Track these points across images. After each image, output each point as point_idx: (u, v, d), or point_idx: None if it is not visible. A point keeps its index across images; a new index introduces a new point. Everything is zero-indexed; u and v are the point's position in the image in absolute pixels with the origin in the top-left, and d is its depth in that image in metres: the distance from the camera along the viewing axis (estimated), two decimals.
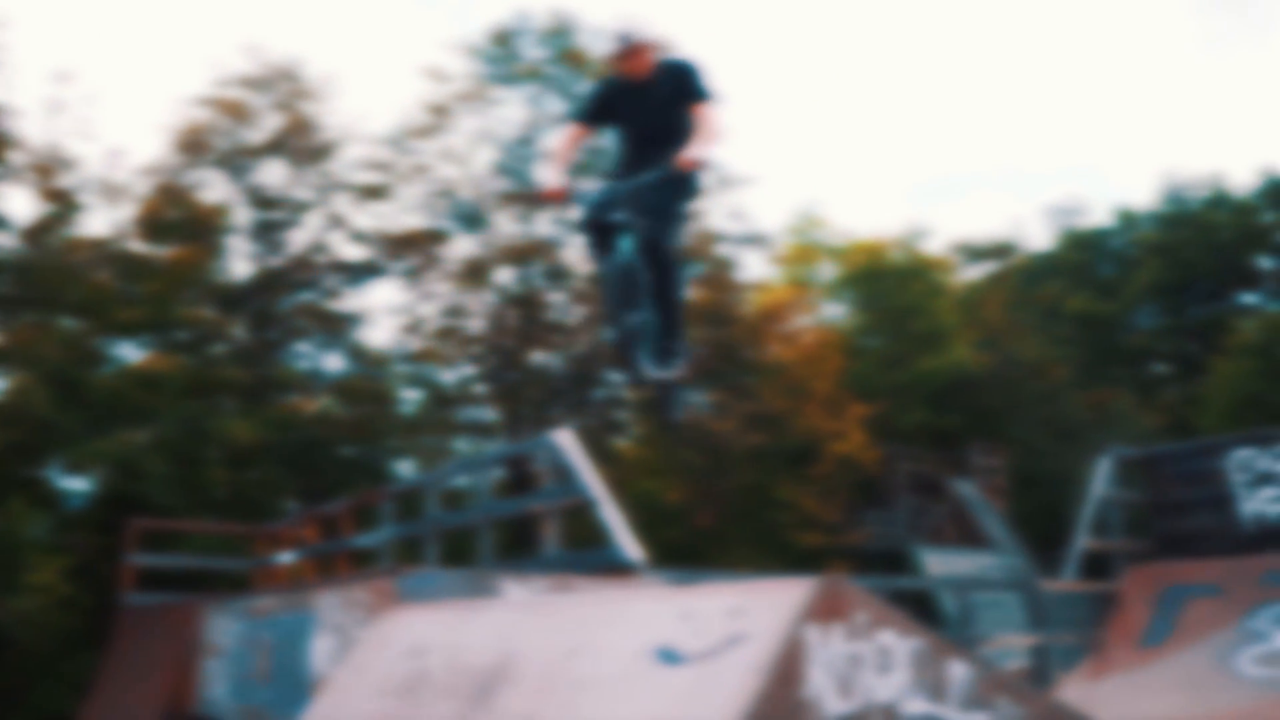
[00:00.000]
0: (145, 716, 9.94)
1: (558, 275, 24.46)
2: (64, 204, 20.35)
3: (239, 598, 9.35)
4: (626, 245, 5.02)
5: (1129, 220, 36.32)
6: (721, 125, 5.14)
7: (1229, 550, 9.62)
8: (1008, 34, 71.63)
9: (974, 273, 37.43)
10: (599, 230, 5.11)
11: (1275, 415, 19.36)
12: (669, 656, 3.48)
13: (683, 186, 5.25)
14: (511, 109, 24.59)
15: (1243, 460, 9.96)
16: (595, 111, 5.43)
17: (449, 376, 24.94)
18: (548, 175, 5.26)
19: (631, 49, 5.15)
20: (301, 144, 23.09)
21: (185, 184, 22.48)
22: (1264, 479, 9.75)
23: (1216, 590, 9.07)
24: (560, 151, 5.44)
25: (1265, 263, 32.87)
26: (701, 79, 5.21)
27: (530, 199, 23.07)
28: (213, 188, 22.97)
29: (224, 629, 9.14)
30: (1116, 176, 65.83)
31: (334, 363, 24.16)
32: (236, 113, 22.83)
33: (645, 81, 5.24)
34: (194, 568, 15.50)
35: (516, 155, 24.70)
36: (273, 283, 23.06)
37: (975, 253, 37.86)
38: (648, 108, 5.26)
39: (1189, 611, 9.11)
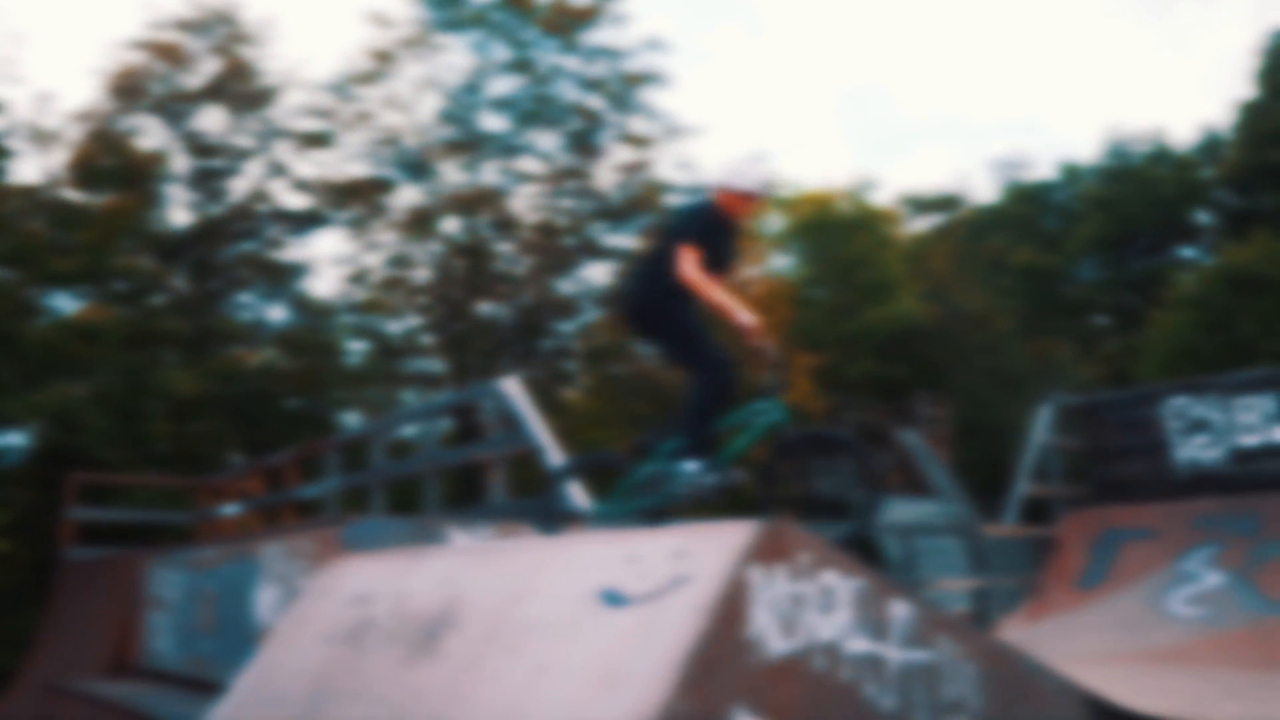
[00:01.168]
0: (89, 670, 9.84)
1: (505, 225, 24.25)
2: None
3: (182, 550, 9.24)
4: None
5: (1073, 174, 36.72)
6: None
7: (1164, 495, 9.85)
8: None
9: (920, 225, 37.72)
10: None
11: (1210, 365, 19.78)
12: (614, 599, 3.49)
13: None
14: (456, 55, 24.20)
15: (1178, 408, 10.17)
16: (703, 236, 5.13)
17: (395, 327, 24.71)
18: (744, 314, 5.10)
19: (759, 201, 5.17)
20: (240, 90, 22.55)
21: (119, 130, 21.88)
22: (1198, 426, 9.97)
23: (1151, 534, 9.30)
24: (714, 282, 5.11)
25: (1203, 217, 33.43)
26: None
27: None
28: (149, 134, 22.39)
29: (167, 581, 9.05)
30: (1062, 131, 66.43)
31: (277, 314, 23.84)
32: (172, 56, 22.20)
33: (732, 229, 5.20)
34: (136, 521, 15.31)
35: (462, 102, 24.33)
36: (213, 232, 22.60)
37: (922, 205, 38.13)
38: (724, 253, 5.19)
39: (1124, 554, 9.34)
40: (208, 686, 7.26)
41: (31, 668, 11.89)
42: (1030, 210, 36.57)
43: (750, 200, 5.10)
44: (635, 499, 5.17)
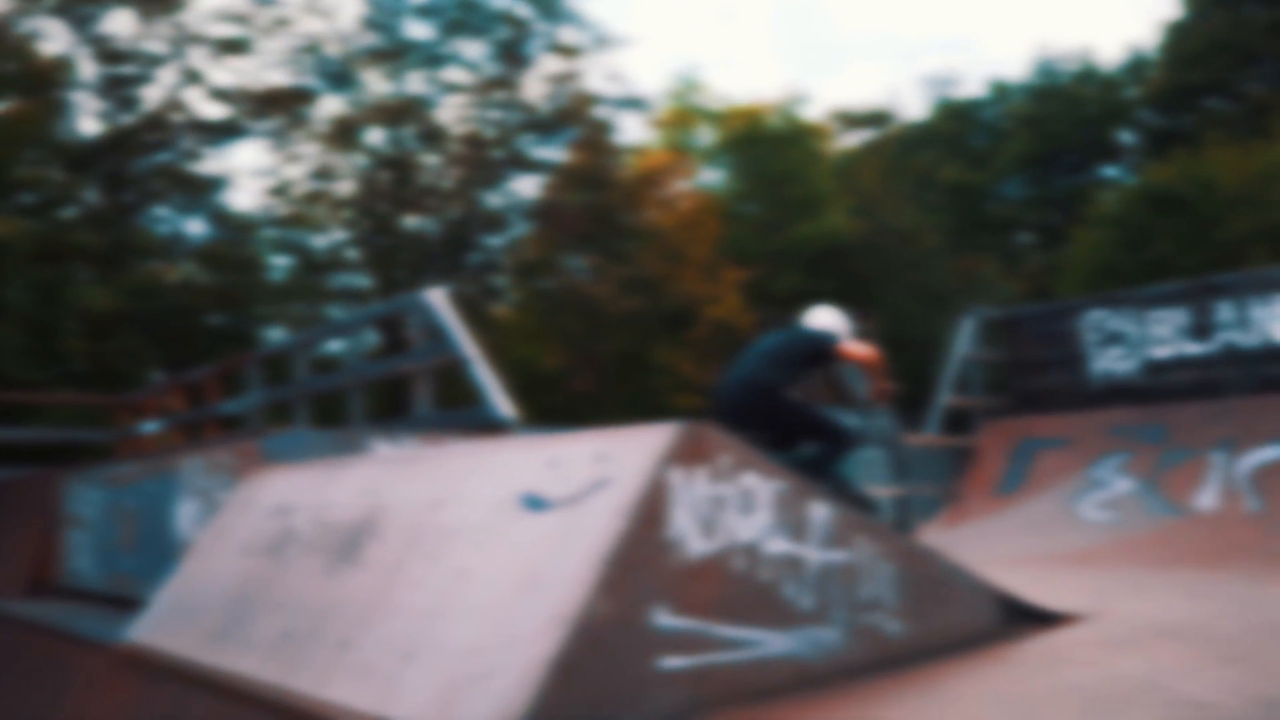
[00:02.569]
0: (7, 591, 9.66)
1: (431, 137, 23.74)
2: None
3: (99, 467, 9.05)
4: None
5: (1001, 92, 36.92)
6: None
7: (1079, 406, 10.13)
8: None
9: (850, 140, 37.76)
10: None
11: (1129, 283, 20.22)
12: (535, 503, 3.48)
13: None
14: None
15: (1095, 321, 10.41)
16: None
17: (319, 242, 24.21)
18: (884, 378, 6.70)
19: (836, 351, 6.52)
20: None
21: (19, 34, 20.81)
22: (1113, 339, 10.22)
23: (1066, 443, 9.57)
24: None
25: (1127, 137, 33.93)
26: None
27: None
28: (52, 39, 21.37)
29: (85, 499, 8.87)
30: (992, 49, 66.54)
31: (196, 228, 23.19)
32: None
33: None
34: (53, 440, 14.97)
35: (386, 9, 23.59)
36: (125, 143, 21.78)
37: (852, 120, 38.12)
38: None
39: (1040, 462, 9.61)
40: (129, 603, 7.17)
41: None
42: (959, 128, 36.79)
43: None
44: None
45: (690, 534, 3.28)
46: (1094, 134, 33.48)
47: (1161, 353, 9.85)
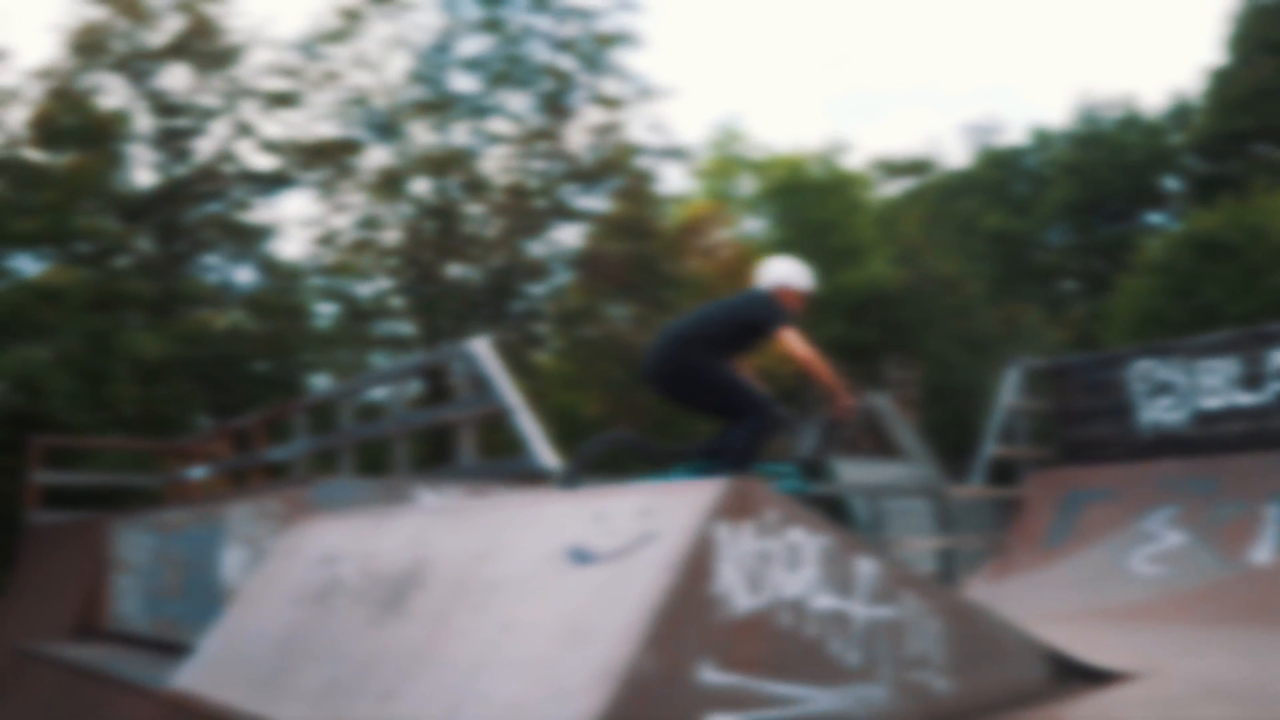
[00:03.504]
0: (56, 633, 9.79)
1: (475, 187, 24.05)
2: None
3: (148, 513, 9.17)
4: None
5: (1044, 139, 36.84)
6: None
7: (1127, 457, 9.99)
8: None
9: (892, 189, 37.80)
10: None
11: (1176, 330, 19.98)
12: (581, 556, 3.49)
13: None
14: (425, 14, 23.90)
15: (1142, 371, 10.29)
16: None
17: (364, 290, 24.52)
18: (845, 393, 5.79)
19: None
20: (205, 47, 22.12)
21: (81, 88, 21.43)
22: (1162, 389, 10.09)
23: (1114, 495, 9.43)
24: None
25: (1171, 183, 33.67)
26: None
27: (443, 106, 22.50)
28: (111, 93, 21.96)
29: (134, 544, 8.98)
30: (1033, 96, 66.53)
31: (245, 276, 23.57)
32: (134, 12, 21.72)
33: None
34: (103, 485, 15.18)
35: (432, 62, 24.05)
36: (179, 193, 22.27)
37: (893, 169, 38.18)
38: None
39: (1088, 515, 9.47)
40: (176, 649, 7.23)
41: None
42: (1001, 175, 36.72)
43: (807, 300, 5.93)
44: None
45: (737, 589, 3.28)
46: (1138, 180, 33.27)
47: (1212, 403, 9.70)
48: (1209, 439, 9.54)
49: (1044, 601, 7.72)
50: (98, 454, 17.28)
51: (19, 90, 20.62)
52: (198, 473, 13.03)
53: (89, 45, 21.51)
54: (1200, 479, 8.94)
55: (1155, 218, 34.43)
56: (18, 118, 20.53)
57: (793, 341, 5.50)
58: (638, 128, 24.90)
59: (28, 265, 20.68)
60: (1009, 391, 10.97)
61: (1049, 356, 16.49)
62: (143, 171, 22.52)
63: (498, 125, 24.62)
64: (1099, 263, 33.42)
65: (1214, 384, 9.72)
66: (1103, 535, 9.04)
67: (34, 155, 20.55)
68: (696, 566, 3.19)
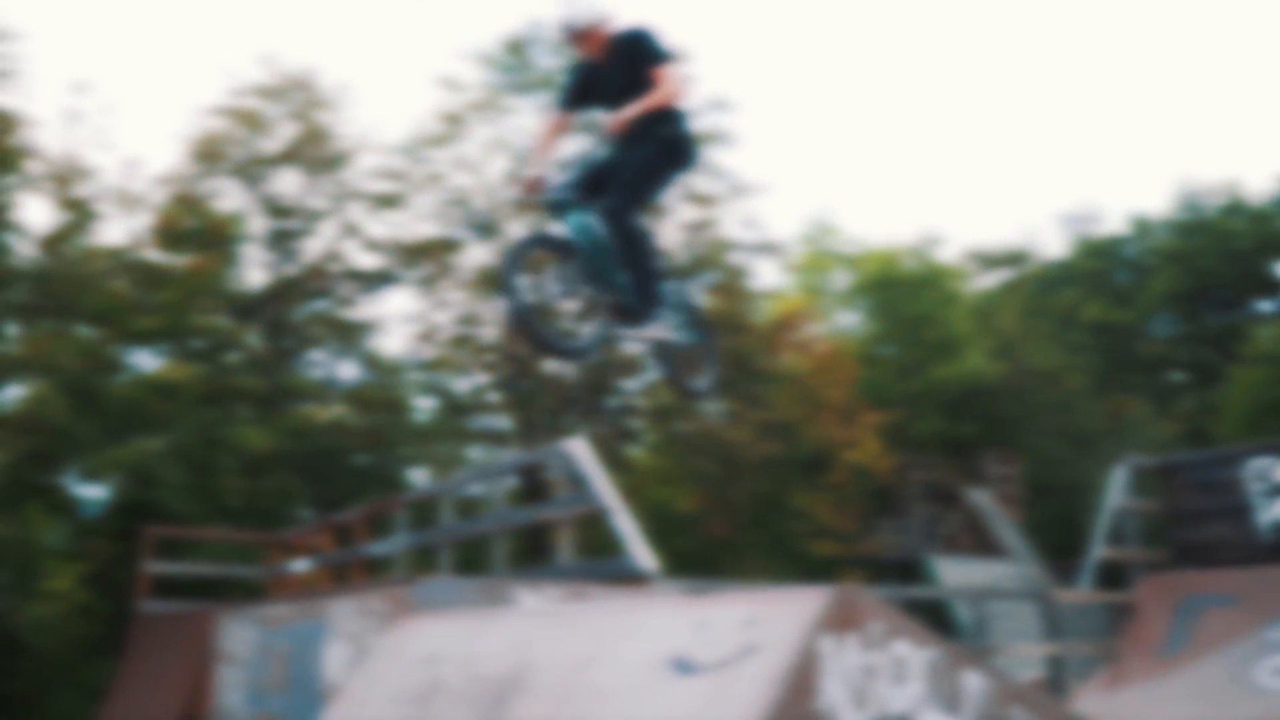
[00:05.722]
0: None
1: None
2: (81, 213, 20.49)
3: (254, 606, 9.37)
4: (574, 221, 5.23)
5: (1144, 228, 36.18)
6: (672, 83, 5.13)
7: (1246, 560, 9.56)
8: (1020, 38, 71.55)
9: (988, 281, 37.37)
10: (558, 210, 5.32)
11: None
12: (684, 667, 3.48)
13: (643, 154, 5.23)
14: (524, 118, 24.66)
15: (1260, 469, 9.90)
16: (572, 98, 5.47)
17: (462, 385, 24.98)
18: (529, 166, 5.36)
19: (579, 34, 5.21)
20: (316, 153, 23.19)
21: (201, 193, 22.59)
22: None
23: (1234, 600, 9.02)
24: (540, 141, 5.51)
25: None
26: (651, 42, 5.21)
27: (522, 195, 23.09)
28: (228, 197, 23.08)
29: (239, 637, 9.16)
30: (1131, 183, 65.54)
31: (348, 371, 24.22)
32: (252, 122, 22.94)
33: (604, 60, 5.28)
34: (208, 575, 15.55)
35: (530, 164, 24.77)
36: (287, 291, 23.15)
37: (989, 261, 37.79)
38: (612, 85, 5.26)
39: (1206, 622, 9.06)
40: None
41: (107, 719, 12.08)
42: (1100, 265, 36.07)
43: (572, 45, 5.37)
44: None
45: (842, 705, 3.24)
46: (1246, 267, 32.40)
47: None
48: None
49: (1161, 714, 7.38)
50: (203, 544, 17.75)
51: (145, 196, 21.82)
52: (300, 566, 13.28)
53: (209, 153, 22.71)
54: None
55: (1266, 306, 33.40)
56: (143, 221, 21.70)
57: (680, 85, 5.19)
58: (731, 224, 25.19)
59: (145, 360, 21.66)
60: (1117, 491, 10.64)
61: (1157, 451, 15.99)
62: (254, 271, 23.51)
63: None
64: (1207, 353, 32.45)
65: None
66: (1223, 644, 8.63)
67: (156, 256, 21.64)
68: (800, 681, 3.16)
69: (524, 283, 5.11)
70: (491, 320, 24.36)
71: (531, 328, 5.08)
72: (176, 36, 54.63)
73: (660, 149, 5.23)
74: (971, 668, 3.64)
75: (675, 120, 5.25)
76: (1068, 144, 67.37)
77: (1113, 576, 10.48)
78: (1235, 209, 33.43)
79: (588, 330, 5.41)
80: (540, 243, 5.34)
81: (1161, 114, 67.68)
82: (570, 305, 5.45)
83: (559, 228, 5.36)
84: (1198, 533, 10.22)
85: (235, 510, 19.43)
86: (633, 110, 5.04)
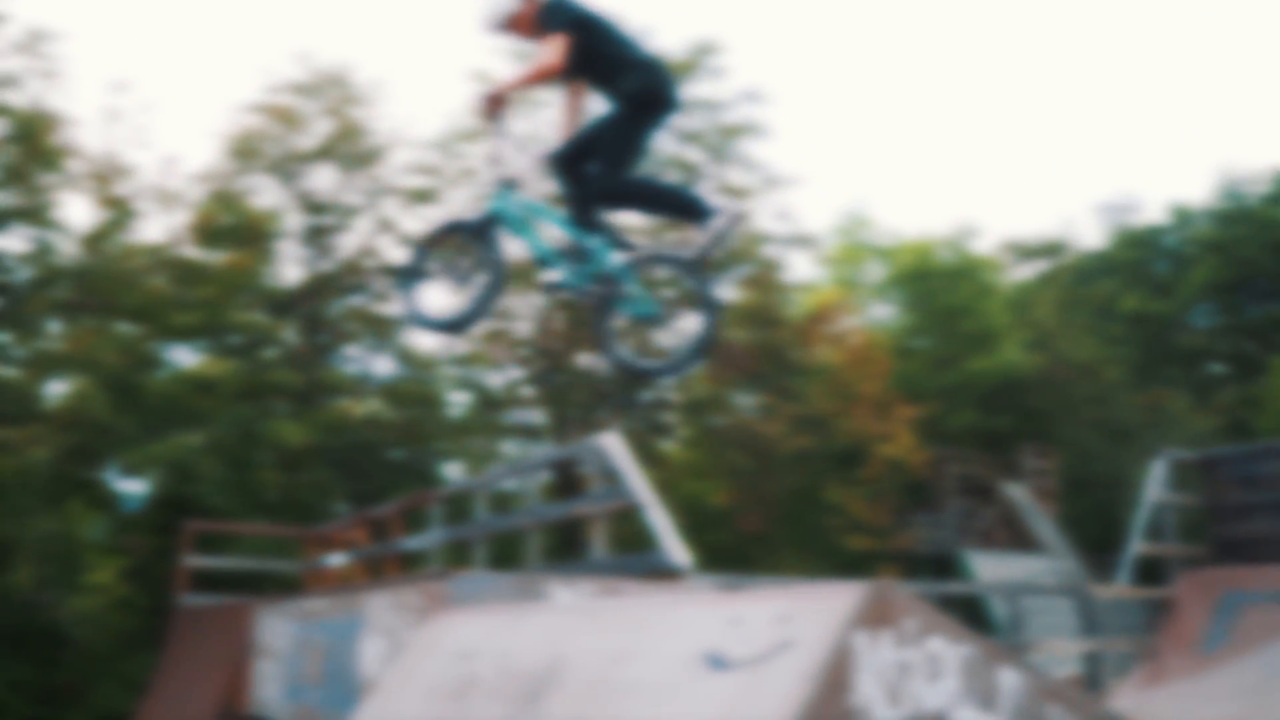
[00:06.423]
0: (201, 716, 10.12)
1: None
2: (121, 211, 20.77)
3: (291, 599, 9.47)
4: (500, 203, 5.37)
5: (1184, 217, 35.62)
6: (542, 53, 4.94)
7: None
8: (1058, 26, 70.75)
9: (1024, 272, 37.00)
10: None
11: None
12: (717, 662, 3.48)
13: (613, 117, 5.15)
14: (557, 110, 24.71)
15: None
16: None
17: (496, 379, 25.08)
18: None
19: (504, 26, 5.14)
20: (351, 149, 23.35)
21: (238, 190, 22.82)
22: None
23: (1276, 597, 8.88)
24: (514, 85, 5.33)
25: None
26: (543, 13, 5.03)
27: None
28: (264, 193, 23.29)
29: (277, 630, 9.26)
30: (1172, 172, 64.67)
31: (383, 366, 24.41)
32: (287, 119, 23.13)
33: (537, 38, 5.08)
34: (246, 570, 15.72)
35: None
36: (323, 287, 23.34)
37: (1025, 252, 37.39)
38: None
39: (1247, 618, 8.94)
40: None
41: (148, 711, 12.26)
42: (1139, 255, 35.56)
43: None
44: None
45: (876, 701, 3.22)
46: None
47: None
48: None
49: (1200, 713, 7.30)
50: (241, 539, 17.95)
51: (183, 193, 22.08)
52: (336, 560, 13.39)
53: (245, 150, 22.93)
54: None
55: None
56: (181, 219, 21.96)
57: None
58: (764, 216, 25.11)
59: (184, 356, 21.94)
60: (1156, 485, 10.51)
61: (1196, 445, 15.78)
62: (290, 267, 23.72)
63: (625, 217, 25.16)
64: (1248, 345, 31.98)
65: None
66: (1266, 642, 8.50)
67: (194, 253, 21.90)
68: (835, 677, 3.15)
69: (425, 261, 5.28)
70: (525, 315, 24.43)
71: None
72: (213, 35, 55.18)
73: (627, 106, 5.10)
74: (1007, 664, 3.61)
75: (636, 72, 5.07)
76: (1106, 133, 66.58)
77: (1151, 572, 10.36)
78: (1278, 197, 32.88)
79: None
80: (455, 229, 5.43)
81: (1203, 101, 66.76)
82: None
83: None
84: (1238, 528, 10.08)
85: (272, 505, 19.63)
86: (500, 86, 5.07)
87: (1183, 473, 10.78)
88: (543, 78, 5.01)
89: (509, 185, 5.40)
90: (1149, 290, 33.69)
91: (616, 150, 5.15)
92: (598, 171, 5.16)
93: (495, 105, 5.10)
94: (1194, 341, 33.64)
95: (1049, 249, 37.41)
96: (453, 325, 5.33)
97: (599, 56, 5.09)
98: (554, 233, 5.39)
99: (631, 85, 5.06)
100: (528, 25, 5.10)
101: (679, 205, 5.30)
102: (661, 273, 5.64)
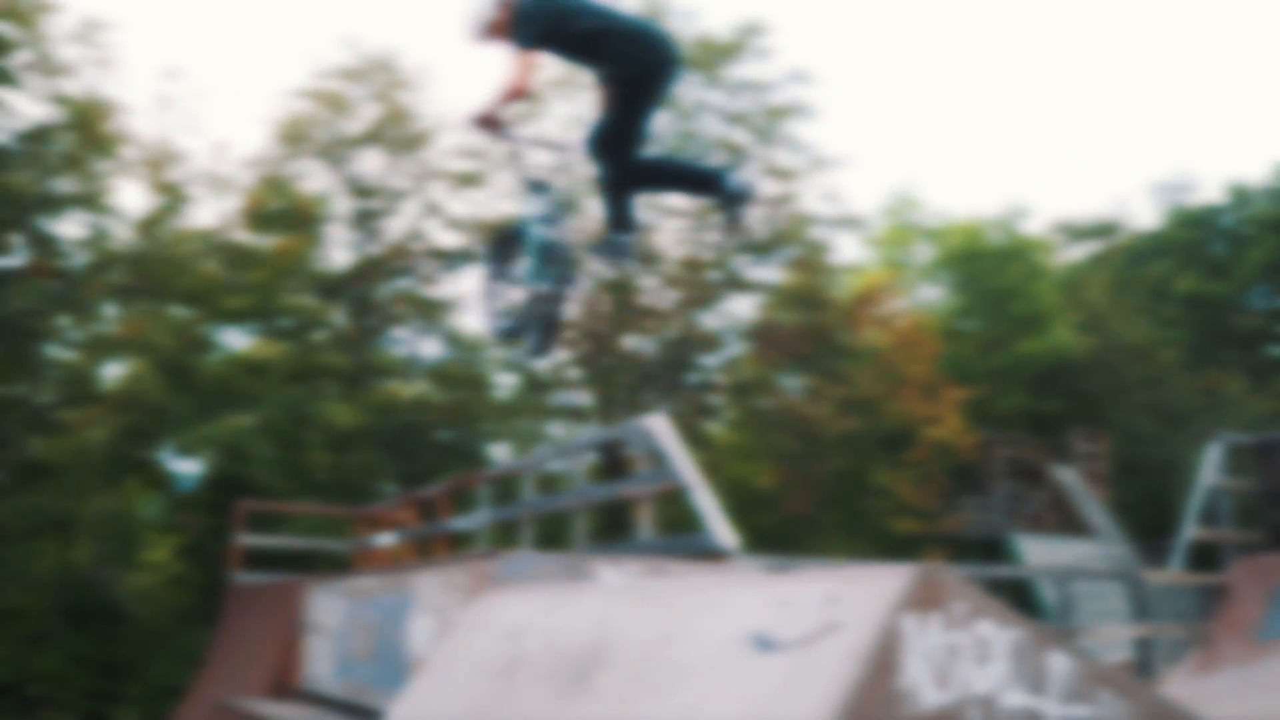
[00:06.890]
0: (254, 691, 10.30)
1: (650, 260, 24.51)
2: (174, 196, 21.10)
3: (341, 578, 9.60)
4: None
5: (1242, 196, 34.82)
6: (509, 70, 4.79)
7: None
8: (1108, 4, 69.35)
9: (1076, 253, 36.40)
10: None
11: None
12: (764, 644, 3.49)
13: (614, 99, 5.00)
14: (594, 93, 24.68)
15: None
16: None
17: (543, 362, 25.17)
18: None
19: (486, 35, 4.98)
20: (398, 133, 23.51)
21: (287, 175, 23.08)
22: None
23: None
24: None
25: None
26: (511, 25, 4.84)
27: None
28: (313, 178, 23.53)
29: (328, 608, 9.41)
30: (1229, 151, 63.27)
31: (430, 348, 24.61)
32: (335, 104, 23.33)
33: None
34: (298, 548, 15.95)
35: None
36: (371, 270, 23.55)
37: (1077, 232, 36.77)
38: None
39: None
40: (365, 712, 7.53)
41: (203, 686, 12.50)
42: (1195, 235, 34.83)
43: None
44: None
45: (924, 684, 3.21)
46: None
47: None
48: None
49: (1255, 702, 7.18)
50: (292, 518, 18.21)
51: (234, 179, 22.37)
52: (385, 539, 13.55)
53: (295, 135, 23.17)
54: None
55: None
56: (232, 204, 22.26)
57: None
58: (811, 198, 24.96)
59: (236, 339, 22.28)
60: (1210, 469, 10.33)
61: (1253, 429, 15.50)
62: (339, 250, 23.96)
63: (672, 199, 25.14)
64: None
65: None
66: None
67: (245, 237, 22.20)
68: (883, 659, 3.15)
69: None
70: (572, 297, 24.48)
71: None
72: (263, 22, 55.70)
73: (625, 84, 4.92)
74: (1057, 649, 3.58)
75: (621, 45, 4.87)
76: (1161, 111, 65.28)
77: (1205, 558, 10.20)
78: None
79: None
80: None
81: (1262, 78, 65.17)
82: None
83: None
84: None
85: (322, 485, 19.90)
86: (480, 110, 4.89)
87: (1239, 457, 10.59)
88: (513, 99, 4.83)
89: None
90: (1205, 271, 33.02)
91: (627, 131, 5.00)
92: (607, 156, 5.02)
93: (489, 124, 4.97)
94: (1251, 323, 32.95)
95: (1101, 229, 36.76)
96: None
97: (583, 39, 4.90)
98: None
99: (616, 63, 4.89)
100: (506, 32, 4.90)
101: (697, 181, 5.17)
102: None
